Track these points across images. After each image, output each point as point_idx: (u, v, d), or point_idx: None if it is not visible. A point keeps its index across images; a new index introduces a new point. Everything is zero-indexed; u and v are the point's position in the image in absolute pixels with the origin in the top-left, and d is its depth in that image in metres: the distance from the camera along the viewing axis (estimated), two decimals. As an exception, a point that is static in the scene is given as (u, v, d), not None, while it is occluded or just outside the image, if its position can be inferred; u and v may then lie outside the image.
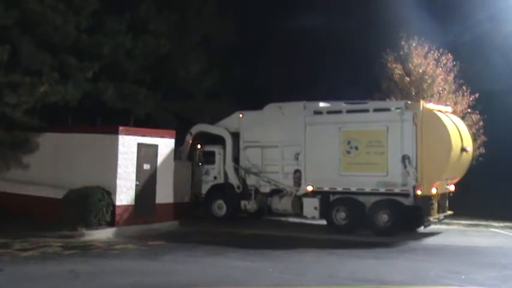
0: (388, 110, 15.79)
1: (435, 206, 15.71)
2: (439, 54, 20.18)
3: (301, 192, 16.78)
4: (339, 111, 16.57)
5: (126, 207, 16.01)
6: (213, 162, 18.43)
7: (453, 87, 20.18)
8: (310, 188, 16.50)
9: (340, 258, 12.61)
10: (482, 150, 19.94)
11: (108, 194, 15.55)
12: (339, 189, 16.14)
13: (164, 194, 17.27)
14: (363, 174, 15.69)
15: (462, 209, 19.19)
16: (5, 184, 17.17)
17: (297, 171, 16.88)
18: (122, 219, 15.84)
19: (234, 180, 17.96)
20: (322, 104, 16.96)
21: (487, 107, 20.02)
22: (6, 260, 11.65)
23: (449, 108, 16.96)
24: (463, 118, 20.02)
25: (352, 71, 21.28)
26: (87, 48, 18.03)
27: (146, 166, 16.72)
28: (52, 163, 16.80)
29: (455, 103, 19.86)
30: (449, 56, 20.19)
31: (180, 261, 12.12)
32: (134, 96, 19.47)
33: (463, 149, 15.69)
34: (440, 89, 20.03)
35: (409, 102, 15.72)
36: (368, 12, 22.39)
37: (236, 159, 18.06)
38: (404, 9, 20.40)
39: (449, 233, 16.88)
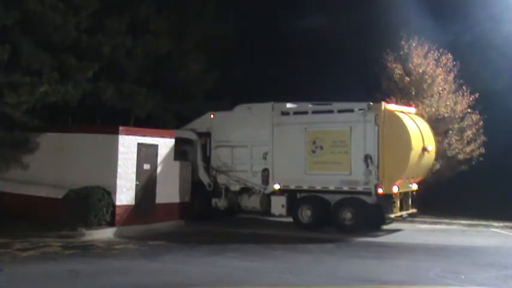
0: (351, 111, 16.12)
1: (397, 204, 16.16)
2: (439, 54, 20.18)
3: (269, 190, 17.22)
4: (305, 112, 17.05)
5: (126, 207, 16.00)
6: (186, 160, 18.61)
7: (453, 87, 20.19)
8: (277, 187, 16.99)
9: (340, 258, 12.63)
10: (482, 150, 19.95)
11: (108, 194, 15.54)
12: (305, 187, 16.65)
13: (164, 194, 17.26)
14: (328, 173, 16.21)
15: (462, 209, 19.26)
16: (5, 184, 17.16)
17: (265, 170, 17.33)
18: (122, 219, 15.83)
19: (204, 178, 18.32)
20: (289, 105, 17.44)
21: (487, 107, 20.02)
22: (6, 260, 11.65)
23: (412, 110, 17.37)
24: (462, 118, 20.08)
25: (353, 71, 21.30)
26: (87, 48, 18.00)
27: (146, 166, 16.72)
28: (52, 163, 16.78)
29: (455, 103, 19.89)
30: (449, 56, 20.19)
31: (180, 261, 12.12)
32: (134, 96, 19.45)
33: (424, 149, 16.06)
34: (440, 89, 20.04)
35: (371, 103, 16.03)
36: (368, 13, 22.39)
37: (208, 158, 18.38)
38: (404, 9, 20.40)
39: (449, 233, 16.90)
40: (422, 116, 19.16)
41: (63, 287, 9.84)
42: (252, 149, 17.61)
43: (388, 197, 15.72)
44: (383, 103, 15.88)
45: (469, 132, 19.95)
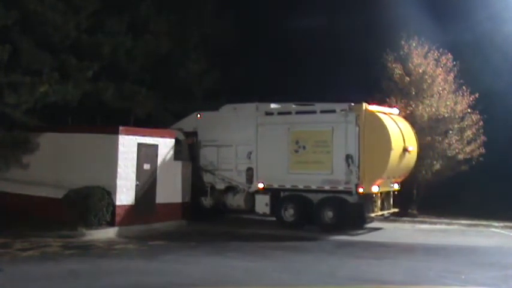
0: (333, 111, 16.36)
1: (378, 203, 16.40)
2: (439, 54, 20.15)
3: (253, 189, 17.49)
4: (289, 113, 17.30)
5: (126, 207, 16.00)
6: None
7: (453, 87, 20.16)
8: (261, 185, 17.26)
9: (340, 258, 12.63)
10: (482, 150, 19.92)
11: (108, 194, 15.53)
12: (288, 186, 16.94)
13: (164, 194, 17.26)
14: (310, 173, 16.49)
15: (462, 209, 19.26)
16: (5, 184, 17.15)
17: (250, 169, 17.56)
18: (122, 219, 15.83)
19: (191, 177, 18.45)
20: (273, 105, 17.72)
21: (487, 107, 20.00)
22: (6, 260, 11.65)
23: (395, 110, 17.56)
24: (462, 118, 20.07)
25: (353, 71, 21.28)
26: (87, 48, 18.03)
27: (146, 166, 16.72)
28: (52, 163, 16.77)
29: (455, 103, 19.86)
30: (449, 56, 20.16)
31: (180, 261, 12.12)
32: (134, 96, 19.48)
33: (405, 150, 16.28)
34: (440, 89, 20.01)
35: (353, 104, 16.17)
36: (368, 13, 22.39)
37: (194, 157, 18.55)
38: (404, 9, 20.39)
39: (449, 233, 16.91)
40: (422, 116, 19.21)
41: (63, 287, 9.84)
42: (237, 148, 17.83)
43: (369, 197, 15.98)
44: (364, 104, 16.03)
45: (469, 132, 19.92)
